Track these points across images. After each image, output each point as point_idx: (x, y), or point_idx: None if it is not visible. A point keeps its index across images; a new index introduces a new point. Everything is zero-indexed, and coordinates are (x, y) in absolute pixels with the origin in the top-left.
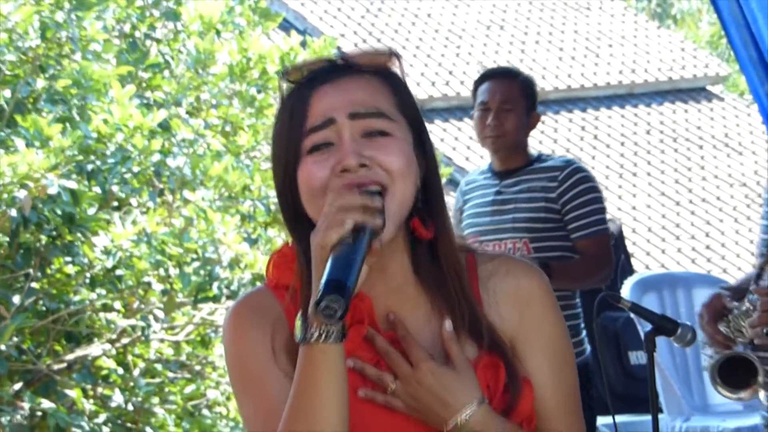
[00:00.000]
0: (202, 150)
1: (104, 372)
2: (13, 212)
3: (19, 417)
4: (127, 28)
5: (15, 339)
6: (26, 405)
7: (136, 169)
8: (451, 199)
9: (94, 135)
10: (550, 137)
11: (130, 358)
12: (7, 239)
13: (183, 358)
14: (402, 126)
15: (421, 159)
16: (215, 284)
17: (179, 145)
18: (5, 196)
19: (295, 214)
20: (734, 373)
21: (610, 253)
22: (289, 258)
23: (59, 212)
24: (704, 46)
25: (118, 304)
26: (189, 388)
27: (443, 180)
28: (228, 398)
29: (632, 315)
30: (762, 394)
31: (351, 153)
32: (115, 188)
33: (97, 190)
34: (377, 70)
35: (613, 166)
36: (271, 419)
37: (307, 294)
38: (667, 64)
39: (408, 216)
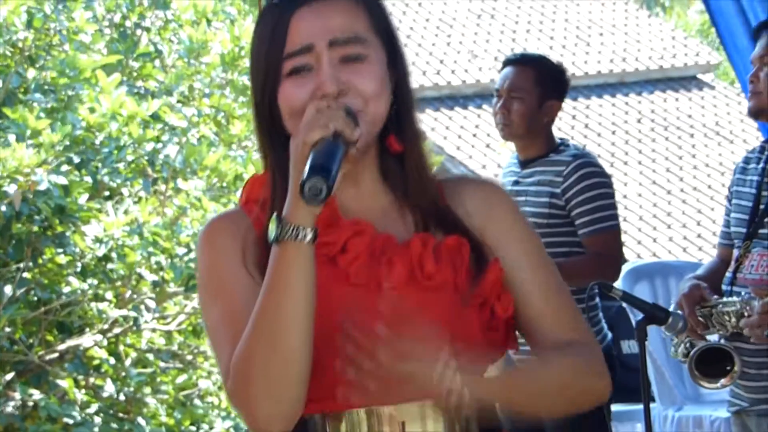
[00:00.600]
0: (195, 139)
1: (96, 362)
2: (3, 207)
3: (10, 407)
4: (117, 18)
5: (7, 329)
6: (18, 395)
7: (130, 158)
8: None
9: (83, 125)
10: None
11: (121, 348)
12: None
13: (175, 347)
14: (376, 47)
15: (393, 76)
16: None
17: (171, 133)
18: None
19: (269, 130)
20: (711, 364)
21: (616, 251)
22: (262, 179)
23: (50, 204)
24: (695, 34)
25: (109, 294)
26: (181, 378)
27: (433, 169)
28: (220, 388)
29: (624, 304)
30: (737, 383)
31: (330, 79)
32: (106, 178)
33: (88, 179)
34: None
35: (604, 155)
36: (238, 323)
37: (281, 203)
38: (658, 53)
39: (382, 130)
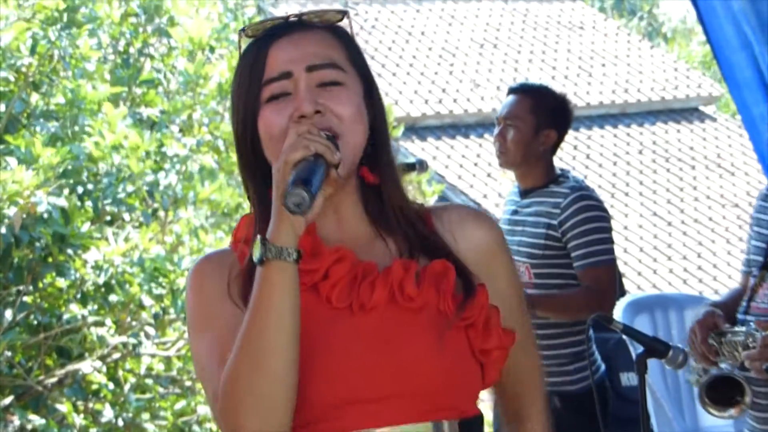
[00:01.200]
0: (195, 168)
1: (95, 387)
2: (3, 230)
3: (9, 431)
4: (121, 45)
5: (6, 353)
6: (16, 419)
7: (130, 188)
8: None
9: (86, 153)
10: None
11: (120, 373)
12: None
13: (174, 373)
14: (353, 77)
15: (370, 108)
16: None
17: (171, 161)
18: None
19: (251, 160)
20: (722, 392)
21: (610, 285)
22: (252, 218)
23: (50, 231)
24: (697, 66)
25: (109, 321)
26: (179, 404)
27: (434, 197)
28: None
29: (624, 336)
30: (749, 413)
31: (307, 101)
32: (108, 207)
33: (89, 204)
34: (329, 26)
35: (605, 186)
36: (224, 348)
37: (265, 230)
38: (660, 84)
39: (359, 163)
